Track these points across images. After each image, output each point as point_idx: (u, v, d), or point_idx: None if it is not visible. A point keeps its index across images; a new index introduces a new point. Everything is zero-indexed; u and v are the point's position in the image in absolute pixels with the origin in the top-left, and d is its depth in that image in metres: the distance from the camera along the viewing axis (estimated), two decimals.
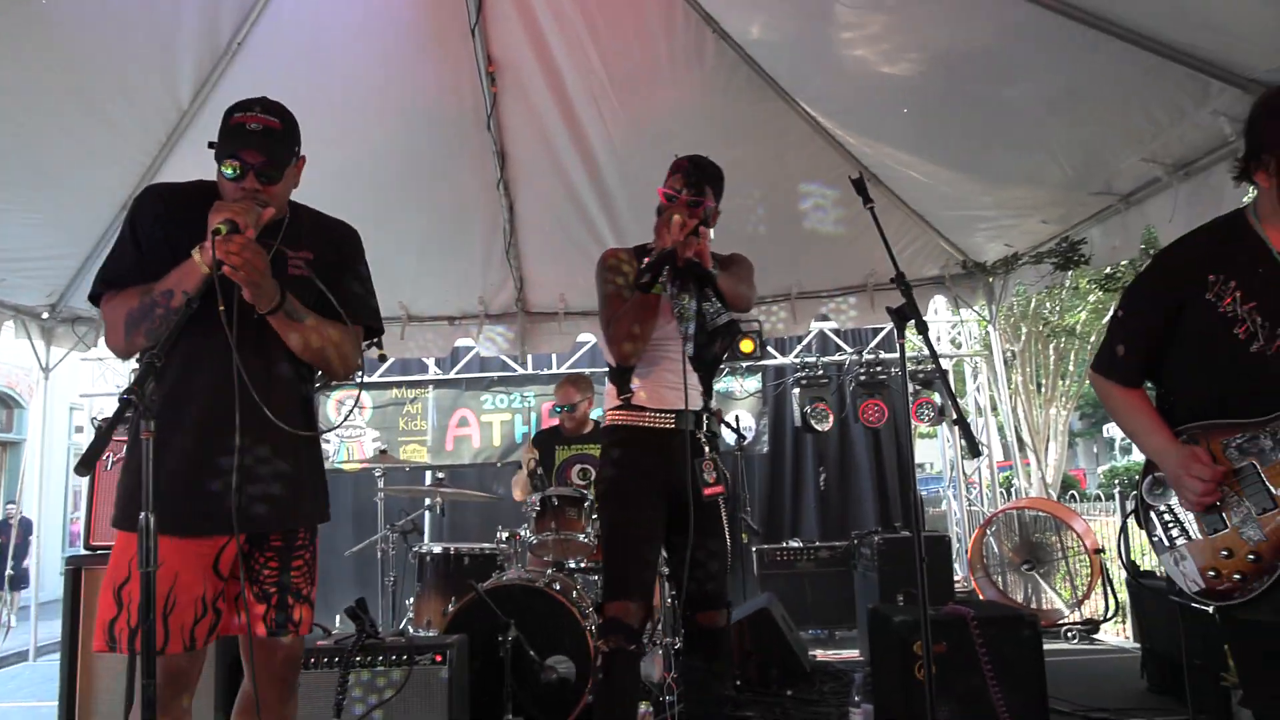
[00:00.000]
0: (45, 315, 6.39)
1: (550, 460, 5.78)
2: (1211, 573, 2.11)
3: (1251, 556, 2.05)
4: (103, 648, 2.25)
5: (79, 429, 14.24)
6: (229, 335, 2.08)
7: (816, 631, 6.74)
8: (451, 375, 8.36)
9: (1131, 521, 2.35)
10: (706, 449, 3.08)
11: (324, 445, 7.35)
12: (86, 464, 1.60)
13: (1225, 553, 2.09)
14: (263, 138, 2.25)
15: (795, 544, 7.07)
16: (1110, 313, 2.44)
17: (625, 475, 3.07)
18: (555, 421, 6.38)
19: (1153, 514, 2.27)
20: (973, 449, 2.32)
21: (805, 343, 8.45)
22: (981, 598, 6.48)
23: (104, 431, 1.65)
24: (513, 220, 6.16)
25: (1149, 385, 2.36)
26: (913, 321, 2.47)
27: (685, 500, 2.94)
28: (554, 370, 8.41)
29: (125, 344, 2.25)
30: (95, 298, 2.30)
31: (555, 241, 6.48)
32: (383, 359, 6.15)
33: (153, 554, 1.72)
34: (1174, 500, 2.21)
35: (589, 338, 7.50)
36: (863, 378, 7.91)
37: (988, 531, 6.76)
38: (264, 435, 2.26)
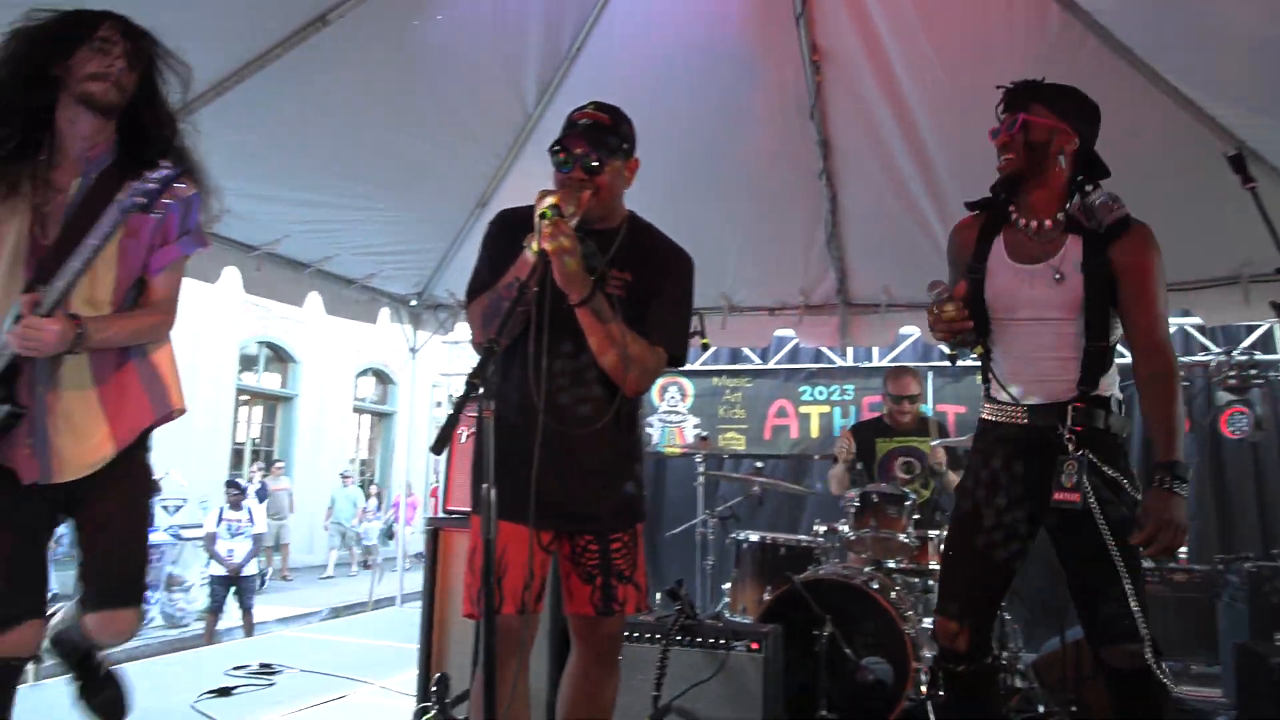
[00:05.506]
0: (414, 302, 7.18)
1: (870, 453, 5.64)
2: None
3: None
4: (469, 612, 2.52)
5: (439, 404, 15.95)
6: (535, 318, 2.27)
7: (1171, 663, 5.99)
8: (771, 365, 8.40)
9: None
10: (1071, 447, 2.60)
11: (647, 430, 7.70)
12: (440, 444, 1.79)
13: None
14: (589, 129, 2.47)
15: (1148, 564, 6.31)
16: None
17: (972, 480, 2.83)
18: (875, 415, 6.21)
19: None
20: None
21: None
22: None
23: (453, 415, 1.83)
24: (835, 211, 6.05)
25: None
26: None
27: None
28: (874, 363, 8.18)
29: (483, 339, 2.48)
30: (466, 308, 2.62)
31: (880, 232, 6.27)
32: (705, 347, 6.32)
33: (493, 523, 1.87)
34: None
35: (913, 330, 7.21)
36: (1233, 381, 6.94)
37: None
38: (566, 433, 2.41)
